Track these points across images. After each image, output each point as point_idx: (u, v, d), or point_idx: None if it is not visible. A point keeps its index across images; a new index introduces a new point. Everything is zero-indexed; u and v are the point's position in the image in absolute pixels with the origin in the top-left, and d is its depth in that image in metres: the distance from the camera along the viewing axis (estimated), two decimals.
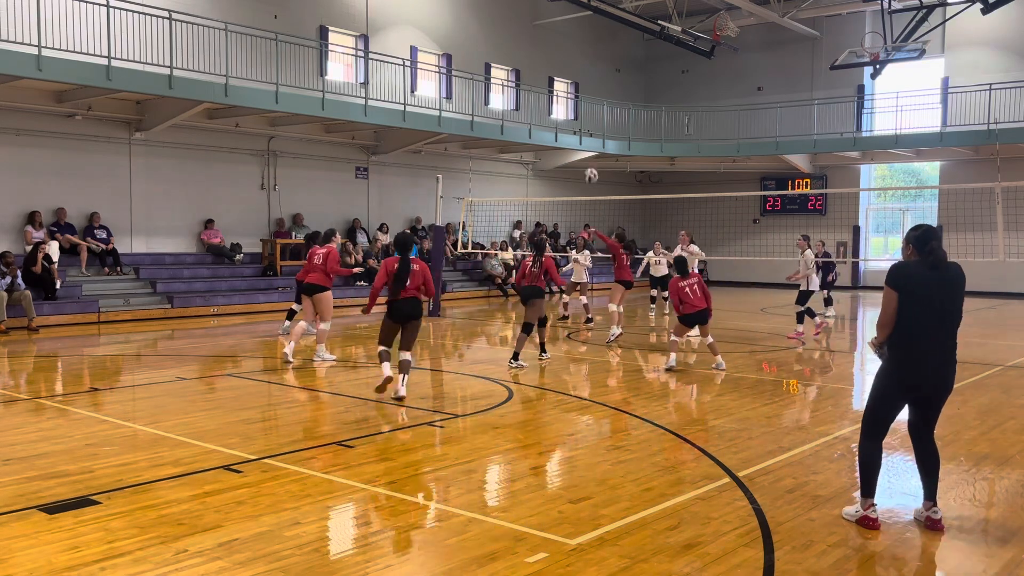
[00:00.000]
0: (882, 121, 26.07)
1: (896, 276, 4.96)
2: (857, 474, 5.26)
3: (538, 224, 26.46)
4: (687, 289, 10.55)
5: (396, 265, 8.55)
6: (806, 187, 27.39)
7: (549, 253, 12.05)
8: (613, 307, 13.52)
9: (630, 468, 6.28)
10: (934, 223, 24.86)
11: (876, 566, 4.57)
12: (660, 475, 6.12)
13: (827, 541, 4.86)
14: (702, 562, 4.51)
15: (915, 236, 5.00)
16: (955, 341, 5.04)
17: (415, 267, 8.59)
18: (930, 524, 5.07)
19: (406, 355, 8.63)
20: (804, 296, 14.42)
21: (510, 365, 10.98)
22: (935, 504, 5.12)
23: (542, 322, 11.52)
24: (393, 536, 4.89)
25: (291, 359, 10.98)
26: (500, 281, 23.04)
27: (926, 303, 4.90)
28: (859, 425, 7.99)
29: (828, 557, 4.63)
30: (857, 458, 5.25)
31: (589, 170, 16.97)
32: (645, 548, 4.69)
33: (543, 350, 11.62)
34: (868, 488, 5.10)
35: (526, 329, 11.18)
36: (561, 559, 4.51)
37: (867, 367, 11.64)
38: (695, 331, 11.93)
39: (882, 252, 28.59)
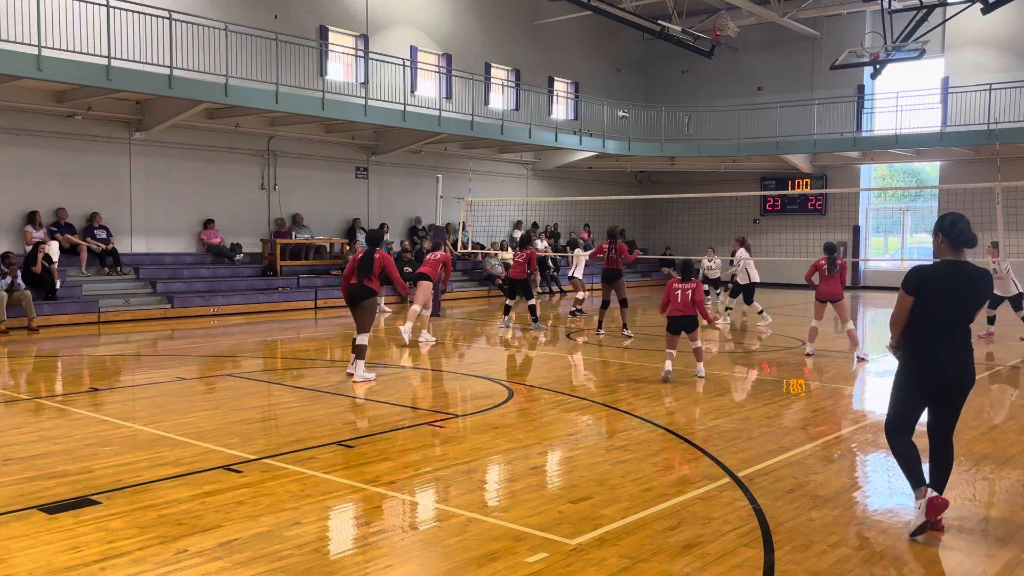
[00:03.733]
0: (882, 121, 26.07)
1: (913, 281, 4.95)
2: (902, 473, 5.12)
3: (534, 224, 26.39)
4: (678, 292, 9.98)
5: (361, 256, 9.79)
6: (806, 187, 27.38)
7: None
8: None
9: (630, 468, 6.28)
10: (934, 223, 24.89)
11: (876, 566, 4.57)
12: (660, 475, 6.12)
13: (827, 541, 4.86)
14: (702, 562, 4.51)
15: (946, 224, 4.97)
16: (970, 339, 5.02)
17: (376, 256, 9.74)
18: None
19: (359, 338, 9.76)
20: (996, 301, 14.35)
21: (598, 333, 14.29)
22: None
23: (623, 303, 14.22)
24: (393, 536, 4.89)
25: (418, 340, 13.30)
26: (500, 281, 23.02)
27: (944, 305, 4.89)
28: (859, 425, 8.03)
29: (828, 557, 4.63)
30: (894, 459, 5.15)
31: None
32: (645, 548, 4.69)
33: (624, 327, 14.17)
34: (917, 478, 4.98)
35: (604, 305, 14.44)
36: (561, 559, 4.51)
37: (866, 367, 11.64)
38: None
39: (882, 252, 28.60)
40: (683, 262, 10.57)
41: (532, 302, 15.31)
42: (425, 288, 13.22)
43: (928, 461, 5.18)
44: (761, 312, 16.45)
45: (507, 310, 15.69)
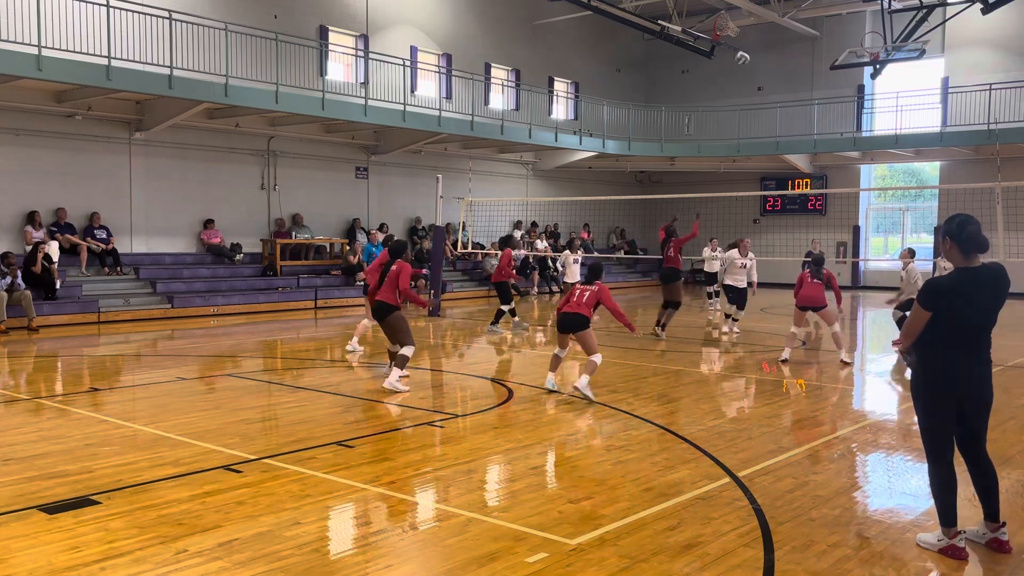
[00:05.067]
0: (882, 121, 26.07)
1: (928, 296, 4.63)
2: (933, 504, 4.80)
3: (518, 223, 26.31)
4: (578, 290, 9.15)
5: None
6: (806, 187, 27.38)
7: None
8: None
9: (630, 468, 6.28)
10: (934, 223, 24.92)
11: (876, 566, 4.57)
12: (660, 475, 6.12)
13: (827, 541, 4.86)
14: (702, 562, 4.51)
15: (954, 226, 4.60)
16: (990, 350, 4.80)
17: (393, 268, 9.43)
18: (997, 546, 4.72)
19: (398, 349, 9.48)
20: None
21: (658, 336, 13.96)
22: (1002, 525, 4.77)
23: (674, 305, 14.16)
24: (393, 536, 4.89)
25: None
26: None
27: (964, 315, 4.61)
28: (859, 425, 8.03)
29: (828, 557, 4.63)
30: (929, 487, 4.80)
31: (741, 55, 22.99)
32: (645, 548, 4.69)
33: (658, 324, 14.10)
34: (949, 517, 4.66)
35: (666, 305, 14.21)
36: (561, 559, 4.51)
37: (867, 367, 11.64)
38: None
39: (882, 252, 28.59)
40: (591, 264, 9.45)
41: (503, 307, 14.99)
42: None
43: (974, 487, 4.84)
44: (727, 317, 15.47)
45: (512, 312, 15.31)
